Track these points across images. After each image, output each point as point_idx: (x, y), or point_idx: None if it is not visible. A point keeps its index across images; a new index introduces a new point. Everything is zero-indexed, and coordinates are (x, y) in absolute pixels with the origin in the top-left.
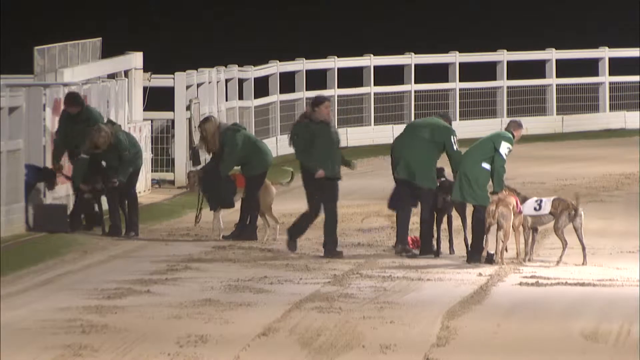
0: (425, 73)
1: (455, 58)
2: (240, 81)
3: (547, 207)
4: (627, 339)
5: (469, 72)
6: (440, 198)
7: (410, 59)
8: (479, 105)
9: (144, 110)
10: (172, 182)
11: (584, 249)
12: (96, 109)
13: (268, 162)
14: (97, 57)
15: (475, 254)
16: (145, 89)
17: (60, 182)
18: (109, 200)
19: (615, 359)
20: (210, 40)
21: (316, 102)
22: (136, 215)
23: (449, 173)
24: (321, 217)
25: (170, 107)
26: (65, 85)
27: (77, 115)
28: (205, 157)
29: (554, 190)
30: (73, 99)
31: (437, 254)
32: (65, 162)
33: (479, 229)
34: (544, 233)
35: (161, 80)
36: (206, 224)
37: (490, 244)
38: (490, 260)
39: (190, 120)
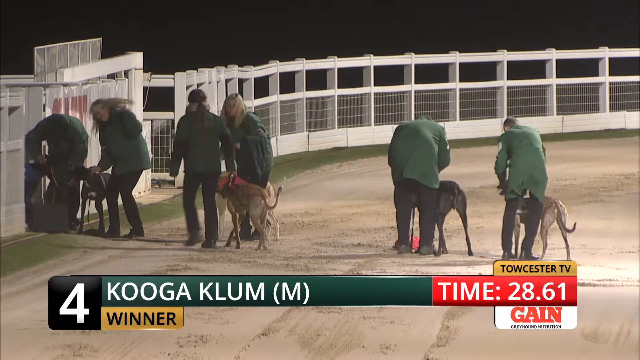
0: (425, 73)
1: (455, 58)
2: (240, 81)
3: None
4: (627, 339)
5: (469, 72)
6: (443, 198)
7: (410, 59)
8: (479, 105)
9: (144, 110)
10: (172, 182)
11: (567, 246)
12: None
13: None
14: (97, 57)
15: (529, 244)
16: (145, 89)
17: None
18: (109, 201)
19: (615, 359)
20: (210, 40)
21: None
22: (137, 216)
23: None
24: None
25: (170, 107)
26: (65, 85)
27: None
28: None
29: (554, 190)
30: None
31: (437, 253)
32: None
33: (535, 223)
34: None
35: (161, 80)
36: None
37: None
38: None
39: None
